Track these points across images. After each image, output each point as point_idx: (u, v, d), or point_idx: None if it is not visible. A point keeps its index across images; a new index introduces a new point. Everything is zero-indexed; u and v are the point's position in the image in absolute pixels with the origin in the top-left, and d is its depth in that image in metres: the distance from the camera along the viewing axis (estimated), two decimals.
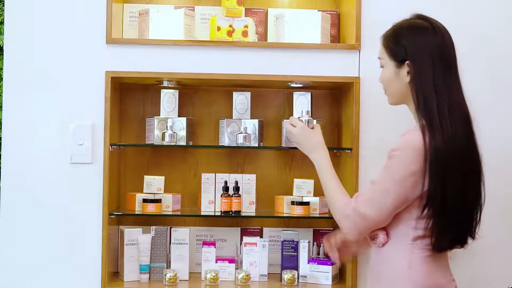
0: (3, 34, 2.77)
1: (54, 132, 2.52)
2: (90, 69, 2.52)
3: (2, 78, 2.85)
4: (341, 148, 2.71)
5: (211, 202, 2.68)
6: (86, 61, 2.52)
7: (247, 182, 2.70)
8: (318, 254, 2.72)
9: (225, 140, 2.69)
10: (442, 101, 1.78)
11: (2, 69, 2.84)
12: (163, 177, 2.68)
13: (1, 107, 2.73)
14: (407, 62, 1.83)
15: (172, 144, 2.63)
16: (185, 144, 2.66)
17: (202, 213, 2.68)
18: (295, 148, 2.69)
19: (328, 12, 2.77)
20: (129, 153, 2.79)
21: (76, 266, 2.51)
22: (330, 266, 2.59)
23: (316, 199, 2.66)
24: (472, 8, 2.60)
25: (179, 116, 2.71)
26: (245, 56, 2.55)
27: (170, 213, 2.66)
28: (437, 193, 1.75)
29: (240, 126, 2.68)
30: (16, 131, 2.52)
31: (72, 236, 2.51)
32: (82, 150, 2.52)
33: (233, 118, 2.72)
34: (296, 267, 2.63)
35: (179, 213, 2.70)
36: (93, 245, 2.49)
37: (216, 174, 2.70)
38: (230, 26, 2.61)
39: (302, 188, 2.67)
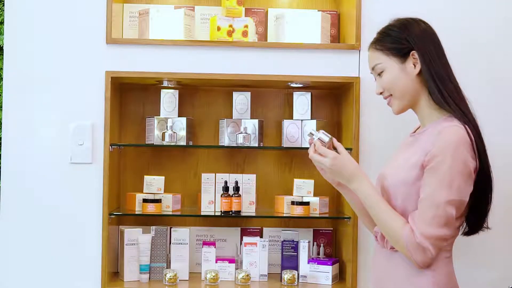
0: (3, 34, 2.77)
1: (54, 132, 2.52)
2: (90, 69, 2.52)
3: (2, 78, 2.84)
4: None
5: (211, 202, 2.68)
6: (86, 61, 2.52)
7: (247, 182, 2.70)
8: (318, 254, 2.72)
9: (225, 140, 2.69)
10: (454, 81, 1.80)
11: (2, 69, 2.84)
12: (163, 177, 2.68)
13: (1, 107, 2.73)
14: (412, 52, 1.81)
15: (172, 144, 2.63)
16: (185, 144, 2.66)
17: (202, 213, 2.68)
18: (295, 148, 2.71)
19: (328, 12, 2.77)
20: (129, 153, 2.79)
21: (76, 266, 2.51)
22: (330, 266, 2.59)
23: (316, 199, 2.66)
24: (471, 9, 2.60)
25: (179, 116, 2.71)
26: (245, 56, 2.55)
27: (170, 213, 2.66)
28: (483, 172, 1.74)
29: (240, 126, 2.68)
30: (16, 131, 2.52)
31: (72, 236, 2.51)
32: (82, 150, 2.52)
33: (233, 118, 2.72)
34: (296, 267, 2.63)
35: (179, 213, 2.70)
36: (93, 245, 2.49)
37: (216, 174, 2.70)
38: (230, 26, 2.61)
39: (302, 188, 2.67)
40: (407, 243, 1.70)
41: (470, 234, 1.86)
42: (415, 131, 1.92)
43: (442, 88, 1.78)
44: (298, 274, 2.61)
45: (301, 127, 2.71)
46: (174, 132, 2.63)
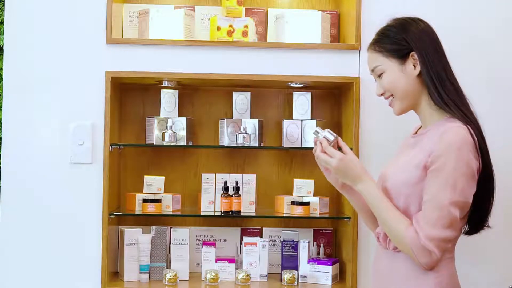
0: (3, 34, 2.77)
1: (54, 132, 2.52)
2: (90, 69, 2.52)
3: (2, 78, 2.85)
4: (341, 148, 2.70)
5: (211, 202, 2.68)
6: (86, 61, 2.52)
7: (247, 182, 2.70)
8: (318, 254, 2.72)
9: (225, 140, 2.69)
10: (454, 82, 1.79)
11: (2, 69, 2.84)
12: (163, 177, 2.68)
13: (1, 107, 2.73)
14: (411, 53, 1.80)
15: (172, 144, 2.63)
16: (185, 144, 2.66)
17: (202, 213, 2.68)
18: (295, 148, 2.71)
19: (328, 12, 2.77)
20: (129, 153, 2.79)
21: (76, 266, 2.51)
22: (330, 266, 2.59)
23: (316, 199, 2.66)
24: (471, 9, 2.60)
25: (179, 116, 2.71)
26: (245, 56, 2.55)
27: (170, 213, 2.66)
28: (486, 172, 1.74)
29: (240, 126, 2.68)
30: (16, 131, 2.52)
31: (72, 236, 2.51)
32: (82, 150, 2.52)
33: (233, 118, 2.72)
34: (296, 267, 2.63)
35: (179, 213, 2.70)
36: (93, 245, 2.49)
37: (216, 174, 2.70)
38: (230, 26, 2.61)
39: (302, 188, 2.67)
40: (412, 245, 1.69)
41: (472, 233, 1.86)
42: (416, 132, 1.91)
43: (441, 89, 1.78)
44: (298, 274, 2.61)
45: (301, 127, 2.71)
46: (174, 132, 2.63)
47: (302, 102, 2.73)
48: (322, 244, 2.74)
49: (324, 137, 1.90)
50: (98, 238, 2.49)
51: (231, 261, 2.65)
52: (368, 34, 2.46)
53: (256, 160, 2.83)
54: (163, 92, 2.71)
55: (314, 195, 2.67)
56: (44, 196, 2.51)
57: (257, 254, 2.63)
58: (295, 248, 2.65)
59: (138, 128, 2.79)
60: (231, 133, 2.69)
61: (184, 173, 2.81)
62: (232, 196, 2.61)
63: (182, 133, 2.66)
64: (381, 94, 1.89)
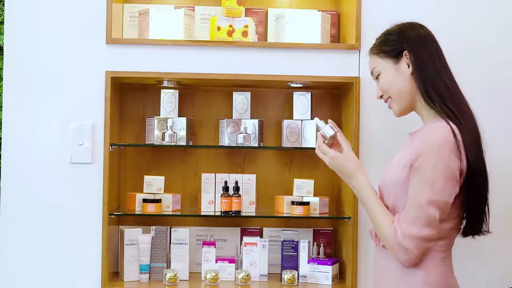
0: (3, 34, 2.77)
1: (54, 132, 2.52)
2: (90, 69, 2.52)
3: (2, 78, 2.85)
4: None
5: (211, 202, 2.68)
6: (86, 61, 2.52)
7: (247, 182, 2.70)
8: (318, 254, 2.72)
9: (225, 140, 2.69)
10: (447, 82, 1.79)
11: (2, 69, 2.84)
12: (163, 177, 2.68)
13: (1, 107, 2.73)
14: (404, 52, 1.83)
15: (172, 144, 2.63)
16: (185, 144, 2.66)
17: (202, 213, 2.68)
18: (295, 148, 2.71)
19: (328, 12, 2.77)
20: (129, 153, 2.79)
21: (76, 266, 2.51)
22: (330, 266, 2.59)
23: (316, 199, 2.66)
24: (471, 9, 2.60)
25: (179, 116, 2.71)
26: (245, 56, 2.55)
27: (170, 213, 2.66)
28: (475, 174, 1.72)
29: (240, 126, 2.68)
30: (16, 131, 2.52)
31: (72, 236, 2.51)
32: (82, 150, 2.52)
33: (233, 118, 2.72)
34: (296, 267, 2.63)
35: (179, 213, 2.70)
36: (93, 245, 2.49)
37: (216, 174, 2.70)
38: (230, 26, 2.61)
39: (302, 188, 2.67)
40: (391, 242, 1.74)
41: (467, 235, 1.86)
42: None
43: (430, 88, 1.80)
44: (298, 274, 2.61)
45: (301, 127, 2.71)
46: (174, 132, 2.63)
47: (302, 102, 2.73)
48: (322, 244, 2.74)
49: (322, 132, 1.93)
50: (98, 238, 2.49)
51: (231, 261, 2.65)
52: (368, 34, 2.48)
53: (256, 160, 2.83)
54: (163, 92, 2.71)
55: (314, 195, 2.67)
56: (44, 196, 2.51)
57: (257, 254, 2.63)
58: (295, 248, 2.65)
59: (138, 128, 2.79)
60: (231, 133, 2.69)
61: (184, 173, 2.81)
62: (232, 196, 2.61)
63: (182, 133, 2.66)
64: (381, 97, 1.94)
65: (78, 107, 2.52)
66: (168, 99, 2.71)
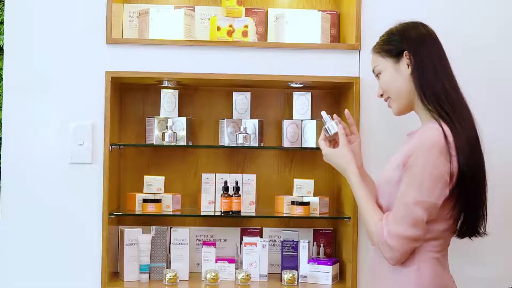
0: (3, 34, 2.77)
1: (54, 132, 2.52)
2: (90, 69, 2.52)
3: (2, 78, 2.85)
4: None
5: (211, 202, 2.68)
6: (86, 61, 2.52)
7: (247, 182, 2.70)
8: (318, 254, 2.72)
9: (225, 140, 2.69)
10: (445, 85, 1.79)
11: (2, 69, 2.84)
12: (163, 177, 2.68)
13: (1, 107, 2.73)
14: (405, 52, 1.83)
15: (172, 144, 2.63)
16: (185, 144, 2.66)
17: (202, 213, 2.68)
18: (295, 148, 2.72)
19: (328, 12, 2.77)
20: (129, 153, 2.79)
21: (76, 266, 2.51)
22: (330, 266, 2.59)
23: (316, 199, 2.66)
24: (471, 9, 2.60)
25: (179, 116, 2.71)
26: (245, 56, 2.55)
27: (170, 213, 2.66)
28: (468, 177, 1.72)
29: (240, 126, 2.68)
30: (16, 131, 2.52)
31: (72, 236, 2.51)
32: (82, 150, 2.52)
33: (233, 118, 2.72)
34: (296, 267, 2.63)
35: (179, 213, 2.70)
36: (93, 245, 2.49)
37: (216, 174, 2.70)
38: (230, 26, 2.61)
39: (302, 188, 2.67)
40: (377, 239, 1.77)
41: (463, 236, 1.85)
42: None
43: (427, 90, 1.80)
44: (298, 274, 2.61)
45: (301, 127, 2.71)
46: (174, 132, 2.63)
47: (302, 102, 2.73)
48: (322, 244, 2.74)
49: (326, 127, 2.03)
50: (98, 238, 2.49)
51: (231, 261, 2.65)
52: (368, 34, 2.48)
53: (256, 160, 2.83)
54: (163, 92, 2.71)
55: (314, 195, 2.67)
56: (44, 196, 2.51)
57: (257, 254, 2.63)
58: (295, 248, 2.65)
59: (138, 128, 2.79)
60: (231, 133, 2.69)
61: (184, 173, 2.81)
62: (232, 196, 2.61)
63: (182, 133, 2.66)
64: (381, 95, 1.94)
65: (78, 107, 2.52)
66: (168, 99, 2.71)
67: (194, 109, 2.81)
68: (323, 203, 2.69)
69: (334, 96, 2.83)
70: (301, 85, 2.69)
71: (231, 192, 2.62)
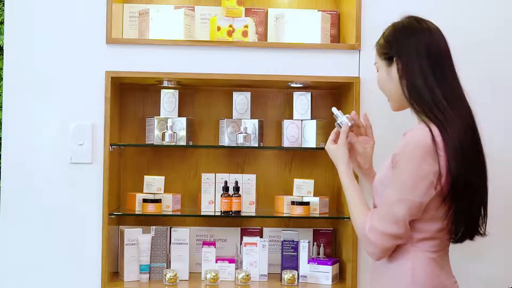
0: (3, 34, 2.77)
1: (54, 132, 2.52)
2: (90, 69, 2.52)
3: (2, 78, 2.85)
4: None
5: (211, 202, 2.68)
6: (86, 61, 2.52)
7: (247, 182, 2.70)
8: (318, 254, 2.72)
9: (225, 140, 2.69)
10: (436, 92, 1.76)
11: (2, 69, 2.84)
12: (163, 177, 2.68)
13: (1, 107, 2.73)
14: (395, 58, 1.83)
15: (172, 144, 2.63)
16: (185, 144, 2.66)
17: (202, 213, 2.68)
18: (295, 148, 2.72)
19: (328, 12, 2.77)
20: (129, 153, 2.79)
21: (76, 266, 2.51)
22: (330, 266, 2.59)
23: (316, 199, 2.66)
24: (470, 9, 2.61)
25: (179, 116, 2.71)
26: (245, 56, 2.55)
27: (170, 213, 2.66)
28: (460, 180, 1.71)
29: (240, 126, 2.68)
30: (16, 131, 2.52)
31: (72, 236, 2.51)
32: (82, 150, 2.52)
33: (233, 118, 2.72)
34: (296, 267, 2.63)
35: (179, 213, 2.70)
36: (93, 245, 2.49)
37: (216, 174, 2.70)
38: (230, 26, 2.61)
39: (302, 188, 2.67)
40: (361, 234, 1.81)
41: (462, 240, 1.85)
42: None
43: (415, 97, 1.79)
44: (298, 274, 2.61)
45: (301, 127, 2.71)
46: (174, 132, 2.63)
47: (302, 102, 2.73)
48: (322, 244, 2.74)
49: (337, 123, 2.06)
50: (98, 238, 2.49)
51: (231, 261, 2.65)
52: (368, 34, 2.49)
53: (256, 160, 2.83)
54: (163, 92, 2.71)
55: (314, 195, 2.67)
56: (44, 196, 2.51)
57: (257, 254, 2.63)
58: (295, 248, 2.65)
59: (138, 128, 2.79)
60: (231, 133, 2.69)
61: (184, 173, 2.81)
62: (232, 196, 2.61)
63: (182, 133, 2.66)
64: None
65: (78, 107, 2.52)
66: (168, 99, 2.71)
67: (194, 109, 2.81)
68: (323, 203, 2.69)
69: (334, 96, 2.83)
70: (301, 85, 2.69)
71: (231, 192, 2.62)
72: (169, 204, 2.66)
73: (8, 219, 2.51)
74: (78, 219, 2.51)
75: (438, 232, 1.78)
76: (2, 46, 2.79)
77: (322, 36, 2.64)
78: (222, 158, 2.82)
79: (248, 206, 2.69)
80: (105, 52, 2.52)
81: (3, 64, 2.68)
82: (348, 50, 2.56)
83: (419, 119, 1.83)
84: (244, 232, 2.78)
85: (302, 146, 2.70)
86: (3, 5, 2.76)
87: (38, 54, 2.52)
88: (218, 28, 2.60)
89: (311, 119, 2.71)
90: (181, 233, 2.64)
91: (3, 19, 2.72)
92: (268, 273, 2.65)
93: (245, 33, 2.63)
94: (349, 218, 2.54)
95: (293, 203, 2.63)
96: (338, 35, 2.81)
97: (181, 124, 2.67)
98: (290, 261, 2.65)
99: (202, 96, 2.82)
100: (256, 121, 2.69)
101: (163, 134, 2.63)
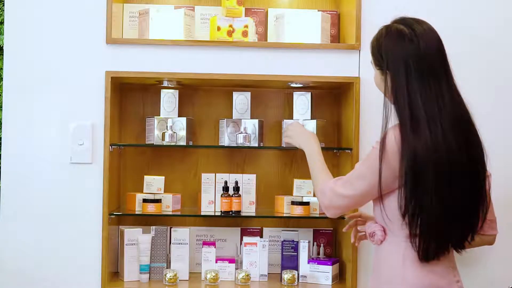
0: (3, 34, 2.77)
1: (54, 132, 2.52)
2: (90, 69, 2.52)
3: (2, 78, 2.84)
4: (341, 148, 2.71)
5: (211, 202, 2.68)
6: (86, 61, 2.52)
7: (247, 182, 2.70)
8: (318, 254, 2.72)
9: (225, 140, 2.69)
10: (416, 107, 1.76)
11: (2, 69, 2.84)
12: (163, 177, 2.68)
13: (1, 107, 2.73)
14: (388, 72, 1.84)
15: (172, 144, 2.63)
16: (185, 144, 2.66)
17: (202, 213, 2.68)
18: (295, 148, 2.71)
19: (328, 12, 2.77)
20: (129, 153, 2.79)
21: (76, 266, 2.51)
22: (330, 266, 2.59)
23: (316, 199, 2.66)
24: (470, 9, 2.60)
25: (179, 116, 2.71)
26: (245, 56, 2.55)
27: (170, 213, 2.66)
28: (411, 200, 1.75)
29: (240, 126, 2.68)
30: (16, 131, 2.52)
31: (72, 236, 2.51)
32: (82, 150, 2.52)
33: (233, 118, 2.72)
34: (296, 267, 2.63)
35: (179, 213, 2.70)
36: (93, 245, 2.49)
37: (216, 174, 2.70)
38: (230, 26, 2.61)
39: (302, 188, 2.68)
40: (319, 187, 2.00)
41: (458, 248, 1.86)
42: None
43: (396, 111, 1.83)
44: (298, 274, 2.61)
45: None
46: (174, 132, 2.63)
47: (302, 102, 2.73)
48: (322, 244, 2.74)
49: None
50: (98, 238, 2.49)
51: (231, 261, 2.65)
52: (368, 34, 2.46)
53: (256, 160, 2.83)
54: (163, 92, 2.71)
55: (314, 195, 2.67)
56: (44, 196, 2.51)
57: (257, 254, 2.63)
58: (295, 248, 2.65)
59: (138, 128, 2.79)
60: (231, 133, 2.69)
61: (184, 173, 2.81)
62: (232, 196, 2.61)
63: (182, 133, 2.66)
64: None
65: (78, 107, 2.52)
66: (168, 99, 2.71)
67: (194, 109, 2.81)
68: None
69: (334, 96, 2.83)
70: (301, 85, 2.69)
71: (231, 192, 2.62)
72: (169, 204, 2.66)
73: (8, 219, 2.51)
74: (78, 219, 2.51)
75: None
76: (2, 46, 2.79)
77: (322, 36, 2.64)
78: (222, 158, 2.82)
79: (248, 206, 2.69)
80: (105, 52, 2.52)
81: (3, 64, 2.68)
82: (348, 50, 2.56)
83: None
84: (244, 232, 2.78)
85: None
86: (3, 5, 2.76)
87: (38, 54, 2.52)
88: (218, 28, 2.60)
89: (311, 119, 2.71)
90: (181, 233, 2.64)
91: (3, 19, 2.72)
92: (268, 273, 2.65)
93: (245, 33, 2.63)
94: None
95: (293, 203, 2.63)
96: (338, 35, 2.81)
97: (181, 124, 2.67)
98: (290, 261, 2.65)
99: (202, 96, 2.82)
100: (256, 121, 2.69)
101: (163, 134, 2.63)
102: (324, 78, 2.56)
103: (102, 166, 2.50)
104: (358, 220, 2.19)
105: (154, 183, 2.66)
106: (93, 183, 2.51)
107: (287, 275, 2.57)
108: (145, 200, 2.62)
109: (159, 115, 2.70)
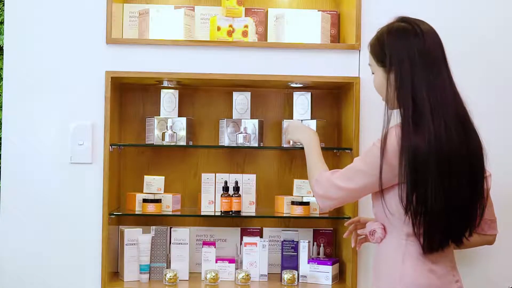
0: (3, 34, 2.77)
1: (54, 132, 2.52)
2: (90, 69, 2.52)
3: (2, 78, 2.84)
4: (341, 148, 2.71)
5: (211, 202, 2.68)
6: (86, 61, 2.52)
7: (247, 182, 2.70)
8: (318, 254, 2.72)
9: (225, 140, 2.69)
10: (421, 99, 1.77)
11: (2, 69, 2.84)
12: (163, 177, 2.68)
13: (1, 107, 2.73)
14: (390, 66, 1.83)
15: (172, 144, 2.63)
16: (185, 144, 2.66)
17: (202, 213, 2.68)
18: (295, 148, 2.71)
19: (328, 12, 2.77)
20: (129, 153, 2.79)
21: (76, 266, 2.51)
22: (330, 266, 2.59)
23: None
24: (470, 9, 2.61)
25: (179, 116, 2.71)
26: (245, 56, 2.55)
27: (170, 213, 2.66)
28: (413, 196, 1.75)
29: (240, 126, 2.68)
30: (16, 131, 2.52)
31: (72, 236, 2.51)
32: (82, 150, 2.52)
33: (233, 118, 2.72)
34: (296, 267, 2.63)
35: (179, 213, 2.70)
36: (93, 245, 2.49)
37: (216, 174, 2.70)
38: (230, 26, 2.61)
39: (302, 188, 2.67)
40: (314, 177, 1.99)
41: (456, 243, 1.86)
42: None
43: (400, 107, 1.82)
44: (298, 274, 2.61)
45: None
46: (174, 132, 2.63)
47: (302, 102, 2.73)
48: (322, 244, 2.74)
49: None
50: (98, 238, 2.49)
51: (231, 261, 2.65)
52: (368, 34, 2.46)
53: (256, 160, 2.83)
54: (163, 92, 2.71)
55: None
56: (44, 196, 2.51)
57: (257, 254, 2.63)
58: (295, 248, 2.65)
59: (138, 128, 2.79)
60: (231, 133, 2.69)
61: (184, 173, 2.81)
62: (232, 196, 2.61)
63: (182, 133, 2.66)
64: None
65: (78, 107, 2.52)
66: (168, 99, 2.71)
67: (194, 109, 2.81)
68: None
69: (334, 96, 2.83)
70: (301, 85, 2.69)
71: (231, 192, 2.62)
72: (169, 204, 2.66)
73: (8, 219, 2.51)
74: (78, 219, 2.51)
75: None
76: (2, 46, 2.79)
77: (322, 36, 2.64)
78: (222, 158, 2.82)
79: (248, 206, 2.69)
80: (105, 52, 2.53)
81: (3, 64, 2.68)
82: (348, 50, 2.57)
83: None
84: (244, 232, 2.78)
85: (302, 146, 2.69)
86: (3, 5, 2.76)
87: (38, 54, 2.52)
88: (218, 28, 2.60)
89: (311, 119, 2.71)
90: (181, 233, 2.64)
91: (3, 19, 2.72)
92: (268, 273, 2.65)
93: (245, 33, 2.63)
94: (349, 218, 2.55)
95: (293, 203, 2.63)
96: (338, 35, 2.81)
97: (181, 124, 2.67)
98: (290, 261, 2.65)
99: (202, 96, 2.82)
100: (256, 121, 2.69)
101: (163, 134, 2.63)
102: (324, 78, 2.56)
103: (102, 166, 2.50)
104: (358, 224, 2.19)
105: (154, 183, 2.66)
106: (93, 183, 2.51)
107: (287, 275, 2.57)
108: (145, 200, 2.62)
109: (159, 115, 2.70)
